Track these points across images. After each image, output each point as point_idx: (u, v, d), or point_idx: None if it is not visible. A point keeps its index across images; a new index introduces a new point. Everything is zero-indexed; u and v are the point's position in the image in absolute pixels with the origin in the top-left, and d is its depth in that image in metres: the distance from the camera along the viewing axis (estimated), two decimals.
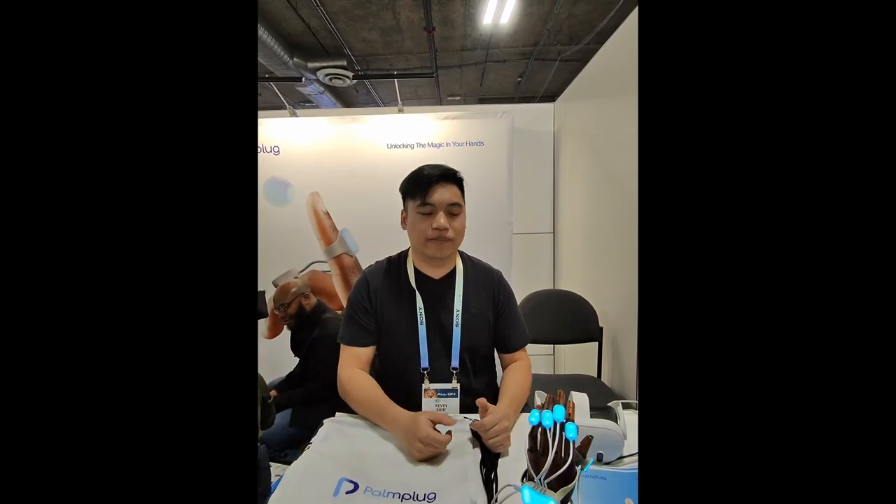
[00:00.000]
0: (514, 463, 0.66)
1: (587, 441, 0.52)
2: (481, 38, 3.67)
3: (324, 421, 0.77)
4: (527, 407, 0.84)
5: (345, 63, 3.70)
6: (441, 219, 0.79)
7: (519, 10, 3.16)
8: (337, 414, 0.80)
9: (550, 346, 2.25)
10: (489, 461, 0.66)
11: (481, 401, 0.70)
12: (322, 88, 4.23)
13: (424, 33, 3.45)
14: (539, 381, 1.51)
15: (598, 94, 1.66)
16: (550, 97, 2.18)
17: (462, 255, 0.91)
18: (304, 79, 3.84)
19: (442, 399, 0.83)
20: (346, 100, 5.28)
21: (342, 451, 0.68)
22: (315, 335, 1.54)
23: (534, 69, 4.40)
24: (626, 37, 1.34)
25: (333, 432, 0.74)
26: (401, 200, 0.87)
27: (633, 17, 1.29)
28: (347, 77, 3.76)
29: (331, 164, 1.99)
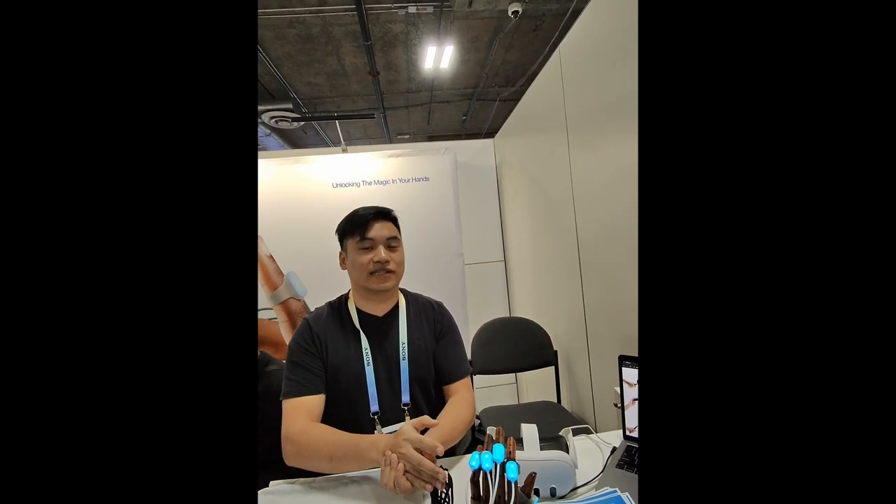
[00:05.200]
0: None
1: (531, 479, 0.50)
2: (425, 81, 3.87)
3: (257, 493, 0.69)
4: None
5: (290, 106, 3.71)
6: (381, 252, 0.82)
7: (457, 57, 3.40)
8: (271, 483, 0.71)
9: (512, 375, 2.23)
10: None
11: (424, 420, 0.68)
12: (268, 131, 4.18)
13: (370, 77, 3.57)
14: (502, 412, 1.47)
15: (529, 130, 1.79)
16: (495, 133, 2.31)
17: (403, 291, 0.92)
18: None
19: None
20: (294, 141, 5.24)
21: None
22: (258, 391, 1.41)
23: (476, 108, 4.68)
24: (549, 78, 1.47)
25: None
26: None
27: (552, 62, 1.42)
28: (289, 119, 3.76)
29: (274, 206, 1.93)
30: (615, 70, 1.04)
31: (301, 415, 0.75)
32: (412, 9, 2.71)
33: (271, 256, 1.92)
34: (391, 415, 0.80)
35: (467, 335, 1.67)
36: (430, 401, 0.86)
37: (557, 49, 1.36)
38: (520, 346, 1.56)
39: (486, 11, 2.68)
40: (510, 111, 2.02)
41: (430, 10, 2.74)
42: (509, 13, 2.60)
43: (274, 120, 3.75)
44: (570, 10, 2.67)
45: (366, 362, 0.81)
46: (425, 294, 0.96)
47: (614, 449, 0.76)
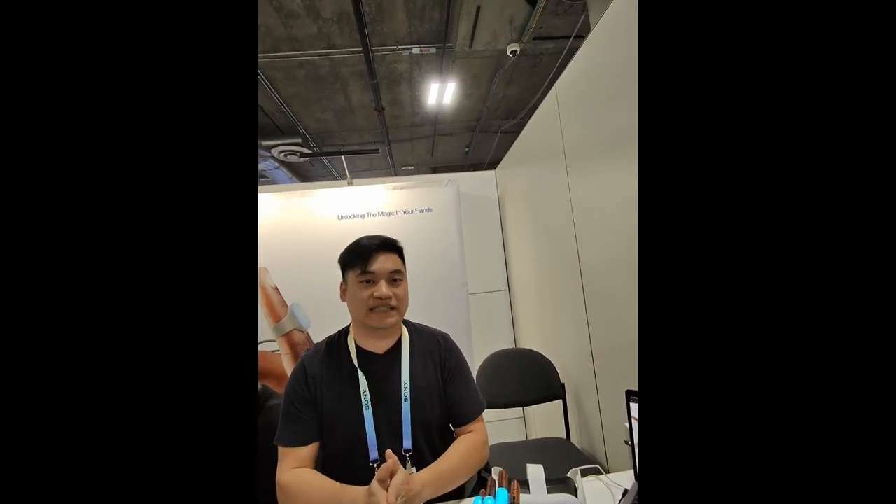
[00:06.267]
0: None
1: None
2: (428, 115, 4.02)
3: None
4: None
5: (299, 140, 3.86)
6: (383, 287, 0.78)
7: (459, 92, 3.55)
8: None
9: (520, 409, 2.16)
10: None
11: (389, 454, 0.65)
12: (277, 164, 4.32)
13: (375, 112, 3.73)
14: (509, 449, 1.42)
15: (530, 161, 1.83)
16: (497, 164, 2.38)
17: (407, 323, 0.88)
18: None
19: None
20: (302, 174, 5.40)
21: None
22: (258, 425, 1.38)
23: (479, 140, 4.82)
24: (547, 113, 1.53)
25: None
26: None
27: (549, 98, 1.48)
28: (297, 153, 3.90)
29: (279, 239, 1.96)
30: (608, 106, 1.08)
31: (292, 463, 0.74)
32: (416, 50, 2.87)
33: (276, 288, 1.93)
34: None
35: (472, 367, 1.63)
36: (434, 446, 0.81)
37: (554, 87, 1.42)
38: (526, 378, 1.52)
39: (487, 51, 2.83)
40: (511, 142, 2.08)
41: (433, 50, 2.89)
42: (508, 53, 2.74)
43: (283, 154, 3.89)
44: (567, 48, 2.81)
45: (364, 406, 0.77)
46: (430, 325, 0.92)
47: (626, 491, 0.73)
